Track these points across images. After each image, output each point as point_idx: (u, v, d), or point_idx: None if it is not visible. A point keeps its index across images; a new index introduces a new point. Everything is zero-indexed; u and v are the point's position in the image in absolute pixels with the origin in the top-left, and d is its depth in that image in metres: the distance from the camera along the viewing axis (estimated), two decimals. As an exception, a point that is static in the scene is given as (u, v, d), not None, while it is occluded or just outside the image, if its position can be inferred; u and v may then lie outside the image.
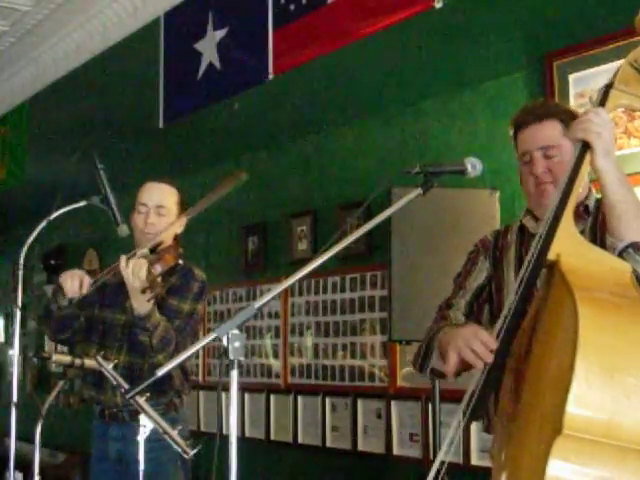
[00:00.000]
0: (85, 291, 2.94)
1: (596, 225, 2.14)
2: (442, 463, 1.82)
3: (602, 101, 1.95)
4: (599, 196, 2.18)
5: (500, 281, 2.28)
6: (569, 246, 1.77)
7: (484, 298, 2.32)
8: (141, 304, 2.87)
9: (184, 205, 3.19)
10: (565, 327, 1.59)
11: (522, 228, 2.29)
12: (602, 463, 1.51)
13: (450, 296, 2.36)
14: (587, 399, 1.50)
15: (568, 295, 1.61)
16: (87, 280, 2.96)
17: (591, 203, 2.19)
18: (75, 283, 2.94)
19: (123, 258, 2.88)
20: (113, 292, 3.11)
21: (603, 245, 1.96)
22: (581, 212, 2.15)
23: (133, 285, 2.85)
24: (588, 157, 1.89)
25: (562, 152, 2.13)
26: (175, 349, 2.98)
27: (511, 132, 2.29)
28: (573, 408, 1.49)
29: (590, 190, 2.20)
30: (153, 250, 3.03)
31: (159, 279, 2.81)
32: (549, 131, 2.16)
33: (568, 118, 2.16)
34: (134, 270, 2.83)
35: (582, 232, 2.08)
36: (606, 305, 1.62)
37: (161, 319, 2.94)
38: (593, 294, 1.63)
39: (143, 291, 2.78)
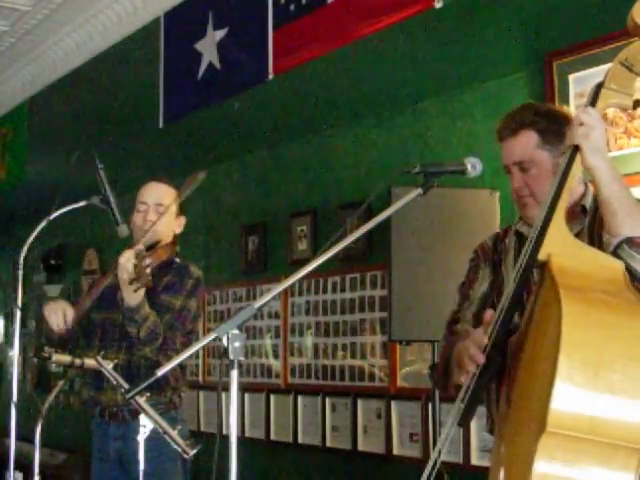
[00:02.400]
0: (70, 321, 3.01)
1: (594, 223, 2.14)
2: (435, 462, 1.82)
3: (593, 101, 1.95)
4: None
5: (500, 286, 2.28)
6: (560, 246, 1.78)
7: (489, 306, 2.31)
8: (130, 296, 2.91)
9: (182, 205, 3.22)
10: (551, 326, 1.59)
11: (519, 232, 2.29)
12: (589, 460, 1.51)
13: (456, 309, 2.35)
14: (570, 396, 1.50)
15: (555, 295, 1.61)
16: (70, 312, 3.03)
17: (588, 202, 2.18)
18: (59, 318, 3.00)
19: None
20: (110, 293, 3.13)
21: (600, 242, 1.96)
22: (577, 212, 2.14)
23: (122, 276, 2.89)
24: (579, 157, 1.89)
25: (538, 164, 2.12)
26: (164, 344, 3.02)
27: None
28: (556, 405, 1.50)
29: (587, 189, 2.19)
30: (150, 248, 3.05)
31: (147, 270, 2.83)
32: (522, 144, 2.13)
33: (548, 123, 2.14)
34: (122, 261, 2.87)
35: (580, 231, 2.08)
36: (595, 303, 1.63)
37: (151, 313, 2.98)
38: (581, 293, 1.63)
39: (131, 282, 2.81)
